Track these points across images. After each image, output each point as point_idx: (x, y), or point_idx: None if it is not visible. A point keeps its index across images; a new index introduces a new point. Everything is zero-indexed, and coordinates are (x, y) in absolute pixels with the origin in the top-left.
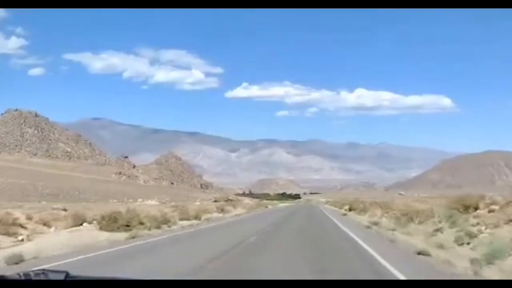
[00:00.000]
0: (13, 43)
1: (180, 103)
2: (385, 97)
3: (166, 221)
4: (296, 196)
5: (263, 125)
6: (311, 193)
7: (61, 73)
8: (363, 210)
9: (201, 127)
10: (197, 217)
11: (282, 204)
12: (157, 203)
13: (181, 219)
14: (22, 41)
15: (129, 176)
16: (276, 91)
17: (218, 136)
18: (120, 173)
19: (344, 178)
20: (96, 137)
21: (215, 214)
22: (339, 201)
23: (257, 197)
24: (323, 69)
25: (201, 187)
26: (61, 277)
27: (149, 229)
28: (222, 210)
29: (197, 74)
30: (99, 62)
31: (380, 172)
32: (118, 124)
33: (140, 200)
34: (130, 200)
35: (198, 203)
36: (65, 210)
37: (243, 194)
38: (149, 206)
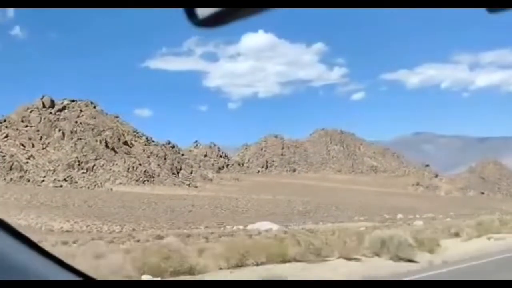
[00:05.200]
0: (336, 73)
1: (508, 105)
2: None
3: None
4: None
5: None
6: None
7: (380, 94)
8: None
9: None
10: None
11: None
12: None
13: None
14: (343, 70)
15: (427, 187)
16: None
17: None
18: (417, 184)
19: None
20: (419, 152)
21: None
22: None
23: None
24: None
25: None
26: None
27: None
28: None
29: None
30: (416, 77)
31: None
32: (441, 136)
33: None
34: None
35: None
36: None
37: None
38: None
